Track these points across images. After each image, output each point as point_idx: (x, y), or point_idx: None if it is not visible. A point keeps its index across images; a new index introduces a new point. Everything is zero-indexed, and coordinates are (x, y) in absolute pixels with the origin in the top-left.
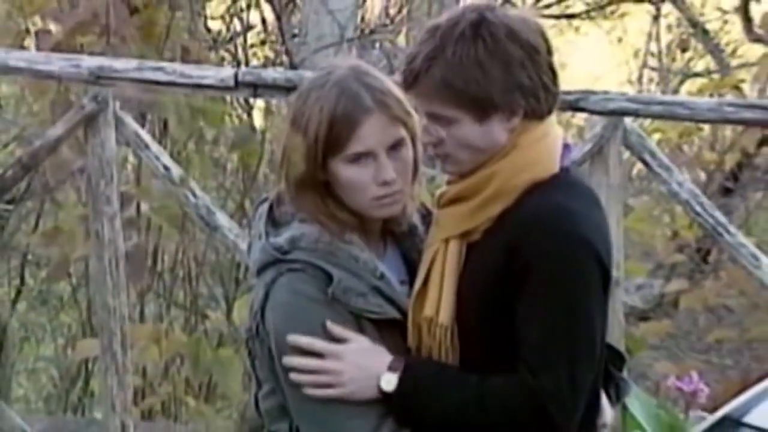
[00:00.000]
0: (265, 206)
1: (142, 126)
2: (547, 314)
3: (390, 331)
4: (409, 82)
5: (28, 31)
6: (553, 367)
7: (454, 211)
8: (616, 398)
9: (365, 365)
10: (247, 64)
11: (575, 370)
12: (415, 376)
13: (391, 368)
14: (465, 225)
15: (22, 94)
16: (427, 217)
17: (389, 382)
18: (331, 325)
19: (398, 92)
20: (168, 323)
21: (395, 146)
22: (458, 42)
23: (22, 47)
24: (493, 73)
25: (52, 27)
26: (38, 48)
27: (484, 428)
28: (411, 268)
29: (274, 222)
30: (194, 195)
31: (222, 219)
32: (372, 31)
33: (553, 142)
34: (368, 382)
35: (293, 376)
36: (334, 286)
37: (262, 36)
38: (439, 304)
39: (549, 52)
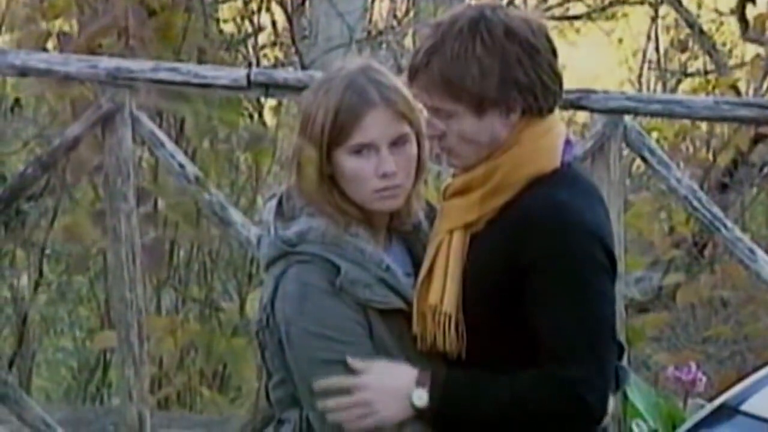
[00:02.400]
0: (274, 201)
1: (159, 125)
2: (563, 305)
3: (395, 320)
4: (411, 76)
5: (50, 34)
6: (579, 355)
7: (458, 203)
8: (616, 386)
9: (393, 388)
10: (258, 64)
11: (600, 355)
12: (444, 387)
13: (419, 384)
14: (468, 216)
15: (42, 95)
16: (430, 214)
17: (420, 398)
18: (351, 361)
19: (406, 91)
20: (183, 315)
21: (398, 141)
22: (457, 38)
23: (44, 50)
24: (490, 69)
25: (74, 29)
26: (60, 50)
27: (522, 426)
28: (415, 262)
29: (282, 216)
30: (208, 192)
31: (235, 215)
32: (380, 33)
33: (555, 138)
34: (400, 404)
35: (330, 417)
36: (341, 278)
37: (273, 38)
38: (443, 292)
39: (552, 52)
